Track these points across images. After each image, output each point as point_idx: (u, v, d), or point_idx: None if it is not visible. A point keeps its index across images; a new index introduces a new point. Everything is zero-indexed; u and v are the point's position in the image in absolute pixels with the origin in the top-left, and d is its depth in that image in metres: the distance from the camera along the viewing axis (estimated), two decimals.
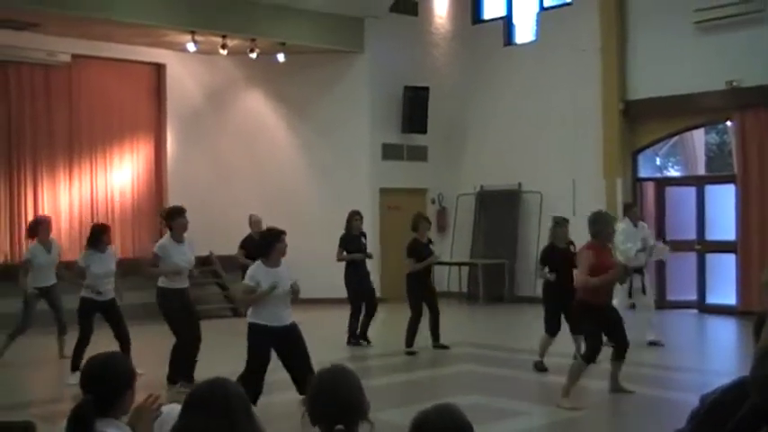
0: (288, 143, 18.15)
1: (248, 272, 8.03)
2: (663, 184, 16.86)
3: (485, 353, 11.82)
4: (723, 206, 15.36)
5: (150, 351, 10.66)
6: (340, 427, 2.94)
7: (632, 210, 12.31)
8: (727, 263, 15.07)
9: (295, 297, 8.03)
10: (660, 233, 15.16)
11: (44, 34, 15.20)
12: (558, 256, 10.29)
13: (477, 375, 10.32)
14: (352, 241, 12.60)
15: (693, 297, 15.40)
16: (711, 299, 15.46)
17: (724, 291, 15.20)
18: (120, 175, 17.04)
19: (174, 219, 9.41)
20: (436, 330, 11.91)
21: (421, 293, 11.79)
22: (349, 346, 12.25)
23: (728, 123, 15.87)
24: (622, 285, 10.62)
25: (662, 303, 15.55)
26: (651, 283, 12.69)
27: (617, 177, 16.29)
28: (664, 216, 16.26)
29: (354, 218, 12.74)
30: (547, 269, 10.33)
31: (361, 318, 12.46)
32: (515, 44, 18.61)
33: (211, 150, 17.76)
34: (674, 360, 11.20)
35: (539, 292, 16.91)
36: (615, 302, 12.27)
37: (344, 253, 12.56)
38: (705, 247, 15.45)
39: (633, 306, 12.14)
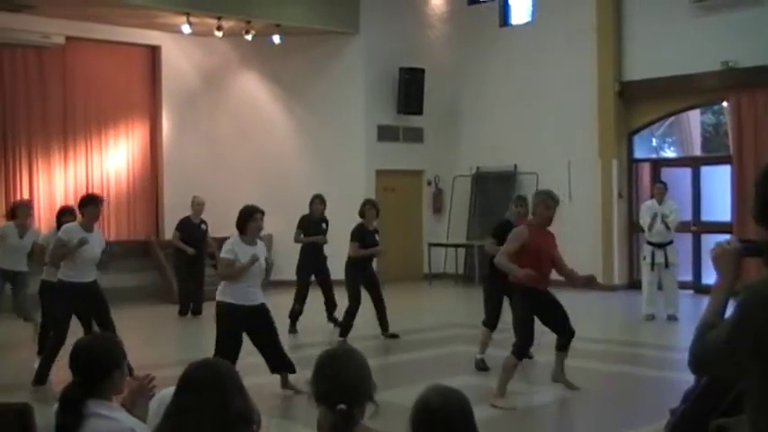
0: (283, 125, 18.11)
1: (226, 245, 7.93)
2: (658, 164, 16.85)
3: (478, 334, 11.80)
4: (719, 187, 15.37)
5: (136, 334, 10.68)
6: (342, 406, 2.94)
7: (656, 187, 13.10)
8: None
9: (265, 275, 7.96)
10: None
11: (38, 16, 15.11)
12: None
13: (469, 356, 10.30)
14: (311, 225, 12.15)
15: (689, 278, 15.42)
16: (707, 279, 15.46)
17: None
18: (115, 158, 17.01)
19: (85, 207, 8.66)
20: (384, 319, 11.38)
21: (359, 282, 11.14)
22: (291, 335, 11.69)
23: (724, 104, 15.86)
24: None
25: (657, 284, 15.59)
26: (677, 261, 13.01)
27: (612, 158, 16.29)
28: None
29: (314, 201, 12.25)
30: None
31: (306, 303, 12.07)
32: (511, 25, 18.55)
33: (207, 132, 17.72)
34: (669, 340, 11.27)
35: None
36: (644, 280, 12.74)
37: (302, 236, 12.16)
38: (701, 228, 15.46)
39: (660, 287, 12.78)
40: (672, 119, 17.33)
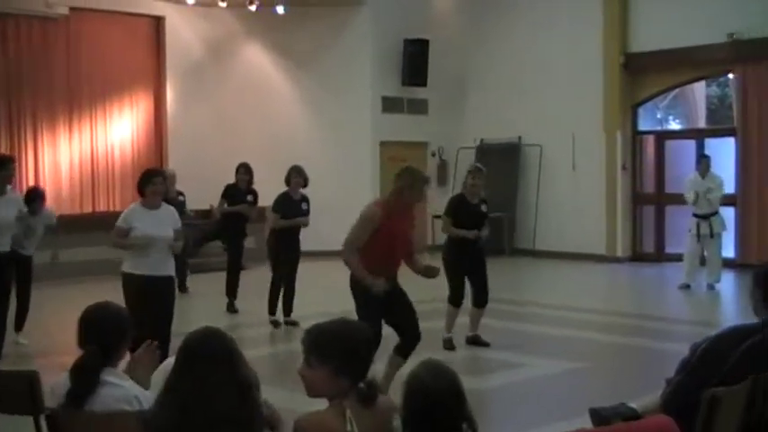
0: (288, 96, 18.10)
1: (123, 213, 7.29)
2: (663, 137, 16.84)
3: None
4: (723, 159, 15.36)
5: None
6: (362, 385, 2.98)
7: (702, 161, 12.99)
8: (727, 216, 15.10)
9: (176, 249, 7.25)
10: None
11: None
12: (466, 211, 8.79)
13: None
14: (236, 195, 11.23)
15: None
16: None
17: (723, 244, 15.25)
18: (119, 130, 17.00)
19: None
20: (289, 303, 10.30)
21: (280, 255, 10.25)
22: (229, 313, 11.02)
23: (730, 76, 15.82)
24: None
25: (660, 256, 15.66)
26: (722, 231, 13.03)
27: (617, 131, 16.27)
28: (663, 169, 16.27)
29: (238, 170, 11.30)
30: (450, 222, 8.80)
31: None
32: None
33: (211, 104, 17.70)
34: (672, 312, 11.33)
35: (538, 245, 17.19)
36: (686, 252, 12.76)
37: (225, 205, 11.27)
38: None
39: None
40: (676, 91, 17.31)
